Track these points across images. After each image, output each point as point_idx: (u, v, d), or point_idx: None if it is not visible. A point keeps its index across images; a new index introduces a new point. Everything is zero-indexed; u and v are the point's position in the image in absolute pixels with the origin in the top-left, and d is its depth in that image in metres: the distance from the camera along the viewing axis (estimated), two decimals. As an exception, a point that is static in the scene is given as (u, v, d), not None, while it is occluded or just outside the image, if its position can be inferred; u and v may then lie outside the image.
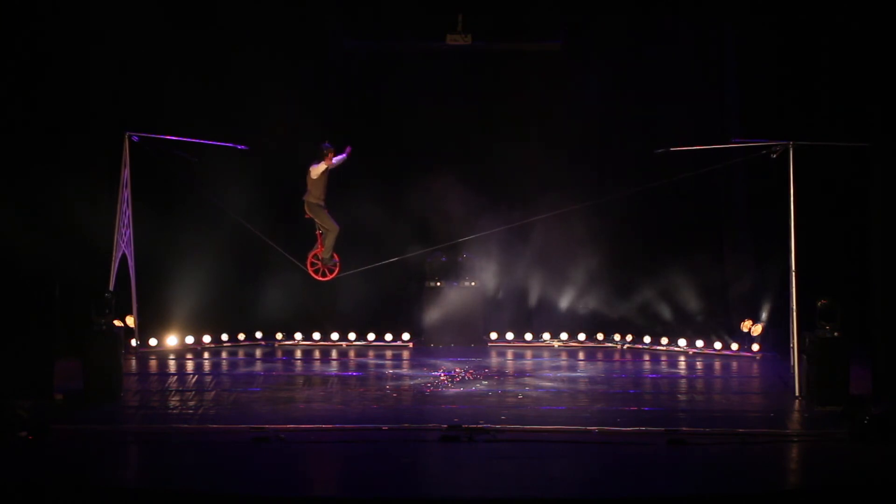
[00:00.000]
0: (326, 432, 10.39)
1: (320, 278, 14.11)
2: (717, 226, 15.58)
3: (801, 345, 12.01)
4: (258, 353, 15.32)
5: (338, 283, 15.50)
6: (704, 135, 14.34)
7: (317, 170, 13.55)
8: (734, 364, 14.41)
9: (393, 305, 16.05)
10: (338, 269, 14.09)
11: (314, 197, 13.73)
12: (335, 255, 14.02)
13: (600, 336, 15.68)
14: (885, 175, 11.26)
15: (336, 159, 13.68)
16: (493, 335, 15.82)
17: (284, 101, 15.03)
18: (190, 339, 15.24)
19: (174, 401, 11.91)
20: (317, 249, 14.02)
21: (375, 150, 15.73)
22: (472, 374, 13.52)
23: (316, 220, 13.86)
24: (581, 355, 15.18)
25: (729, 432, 10.34)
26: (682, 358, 14.88)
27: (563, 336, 15.77)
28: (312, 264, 14.01)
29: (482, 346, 15.62)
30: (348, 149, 13.78)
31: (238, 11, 15.02)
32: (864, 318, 11.79)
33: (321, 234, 13.90)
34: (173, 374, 13.54)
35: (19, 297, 11.63)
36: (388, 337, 15.76)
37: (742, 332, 14.88)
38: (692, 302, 15.46)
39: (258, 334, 15.75)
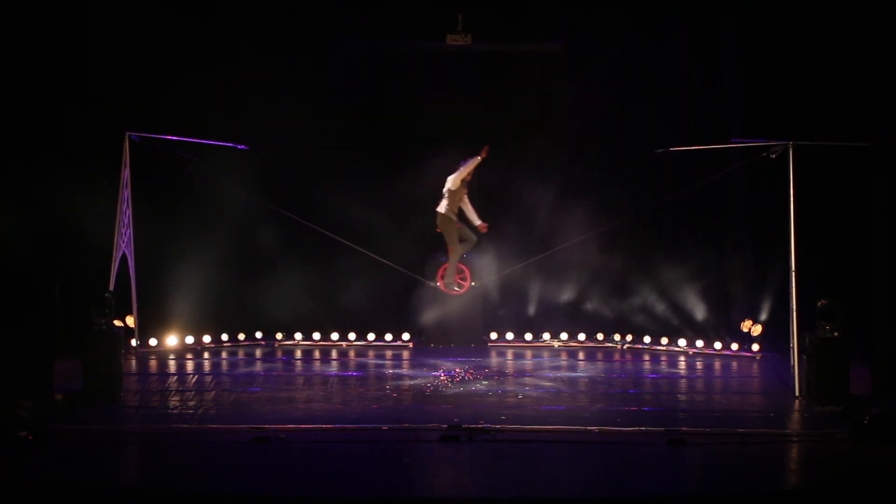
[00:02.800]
0: (326, 432, 10.40)
1: (452, 292, 14.09)
2: (717, 226, 15.57)
3: (801, 345, 12.02)
4: (258, 353, 15.33)
5: (338, 282, 15.54)
6: (704, 135, 14.34)
7: (454, 179, 13.48)
8: (734, 364, 14.41)
9: (393, 305, 16.02)
10: (468, 282, 14.05)
11: (448, 209, 13.65)
12: (465, 268, 13.95)
13: (600, 336, 15.67)
14: (886, 175, 11.26)
15: (465, 165, 13.63)
16: (493, 335, 15.81)
17: (285, 101, 15.03)
18: (190, 339, 15.24)
19: (174, 401, 11.91)
20: (447, 263, 14.01)
21: (375, 151, 15.73)
22: (472, 374, 13.52)
23: (444, 234, 13.80)
24: (581, 355, 15.17)
25: (729, 432, 10.34)
26: (682, 358, 14.88)
27: (563, 336, 15.77)
28: (443, 277, 13.99)
29: (482, 346, 15.61)
30: (486, 148, 13.65)
31: (238, 11, 15.00)
32: (864, 318, 11.79)
33: (451, 248, 13.87)
34: (173, 374, 13.54)
35: (19, 297, 11.63)
36: (388, 337, 15.76)
37: (742, 332, 14.88)
38: (692, 302, 15.45)
39: (258, 334, 15.75)
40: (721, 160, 14.56)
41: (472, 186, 14.42)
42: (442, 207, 13.79)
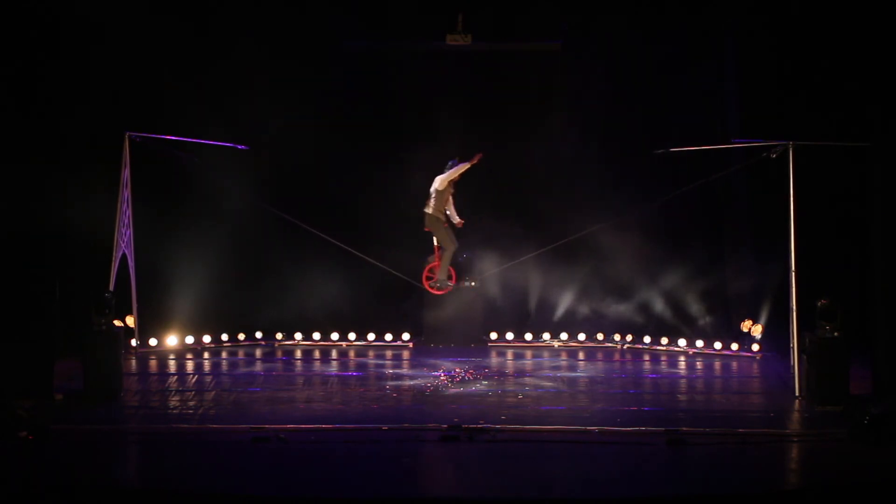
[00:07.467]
0: (326, 432, 10.40)
1: (436, 291, 14.11)
2: (718, 226, 15.57)
3: (801, 345, 12.02)
4: (258, 353, 15.32)
5: (338, 282, 15.53)
6: (704, 135, 14.34)
7: (443, 180, 13.55)
8: (734, 364, 14.41)
9: (393, 305, 16.01)
10: (453, 282, 14.08)
11: (435, 209, 13.67)
12: (452, 270, 13.97)
13: (600, 336, 15.67)
14: (885, 175, 11.27)
15: (455, 168, 13.74)
16: (493, 335, 15.81)
17: (285, 102, 15.03)
18: (190, 339, 15.24)
19: (174, 401, 11.91)
20: (433, 263, 13.99)
21: (375, 151, 15.73)
22: (472, 374, 13.52)
23: (434, 234, 13.80)
24: (581, 355, 15.17)
25: (729, 432, 10.35)
26: (682, 358, 14.87)
27: (563, 336, 15.76)
28: (428, 278, 13.99)
29: (482, 346, 15.60)
30: (478, 156, 13.79)
31: (238, 11, 15.01)
32: (864, 318, 11.79)
33: (439, 248, 13.85)
34: (173, 374, 13.54)
35: (19, 297, 11.63)
36: (388, 337, 15.75)
37: (742, 332, 14.88)
38: (692, 302, 15.45)
39: (258, 334, 15.74)
40: (722, 160, 14.56)
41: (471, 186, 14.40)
42: (429, 208, 13.84)
